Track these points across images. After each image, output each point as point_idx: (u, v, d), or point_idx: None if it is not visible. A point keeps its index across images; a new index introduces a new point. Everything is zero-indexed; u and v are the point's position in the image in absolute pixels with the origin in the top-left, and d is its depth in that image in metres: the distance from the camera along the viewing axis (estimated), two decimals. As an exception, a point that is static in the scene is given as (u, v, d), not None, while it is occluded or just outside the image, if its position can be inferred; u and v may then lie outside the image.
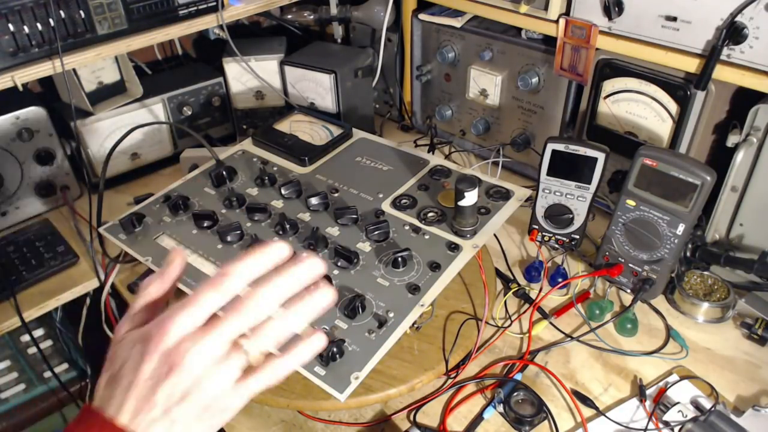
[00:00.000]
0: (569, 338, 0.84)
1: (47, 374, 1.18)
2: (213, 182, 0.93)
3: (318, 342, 0.47)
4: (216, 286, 0.44)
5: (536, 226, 0.94)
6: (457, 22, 1.14)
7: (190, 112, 1.23)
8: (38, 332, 1.20)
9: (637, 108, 0.94)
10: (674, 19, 0.83)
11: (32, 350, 1.19)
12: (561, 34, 0.96)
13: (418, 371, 0.74)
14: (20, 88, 0.93)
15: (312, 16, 1.29)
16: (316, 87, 1.20)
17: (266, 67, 1.25)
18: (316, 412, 0.76)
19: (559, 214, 0.90)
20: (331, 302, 0.48)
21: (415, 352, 0.77)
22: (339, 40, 1.34)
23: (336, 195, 0.90)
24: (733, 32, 0.77)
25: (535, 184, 0.91)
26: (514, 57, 1.09)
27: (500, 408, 0.75)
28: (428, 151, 1.24)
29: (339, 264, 0.78)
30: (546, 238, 0.95)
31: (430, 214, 0.84)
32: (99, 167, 1.14)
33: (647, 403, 0.75)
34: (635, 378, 0.79)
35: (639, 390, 0.77)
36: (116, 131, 1.13)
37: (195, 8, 1.06)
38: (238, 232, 0.82)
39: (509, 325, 0.86)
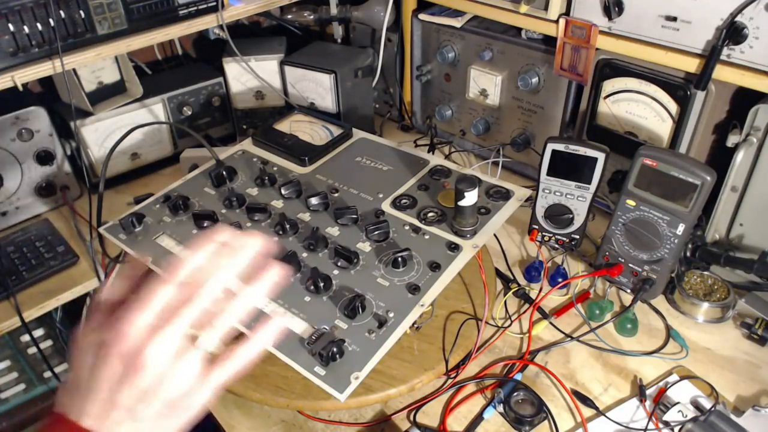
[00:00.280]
0: (569, 338, 0.84)
1: (47, 374, 1.18)
2: (213, 182, 0.93)
3: (274, 326, 0.48)
4: (166, 281, 0.46)
5: (536, 226, 0.94)
6: (457, 22, 1.14)
7: (190, 112, 1.23)
8: (38, 332, 1.20)
9: (637, 108, 0.94)
10: (674, 19, 0.83)
11: (32, 350, 1.19)
12: (561, 34, 0.96)
13: (418, 371, 0.74)
14: (20, 88, 0.93)
15: (312, 16, 1.29)
16: (316, 87, 1.20)
17: (266, 67, 1.25)
18: (316, 412, 0.76)
19: (559, 214, 0.90)
20: (281, 278, 0.49)
21: (415, 352, 0.77)
22: (339, 40, 1.34)
23: (336, 195, 0.90)
24: (733, 32, 0.77)
25: (535, 184, 0.91)
26: (514, 57, 1.09)
27: (500, 408, 0.75)
28: (428, 151, 1.24)
29: (339, 264, 0.78)
30: (546, 238, 0.95)
31: (430, 214, 0.84)
32: (99, 167, 1.14)
33: (647, 403, 0.75)
34: (635, 378, 0.79)
35: (639, 390, 0.77)
36: (116, 131, 1.13)
37: (195, 8, 1.06)
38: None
39: (509, 325, 0.86)
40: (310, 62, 1.20)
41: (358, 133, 1.05)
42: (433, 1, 1.18)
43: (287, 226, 0.83)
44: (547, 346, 0.83)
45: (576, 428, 0.73)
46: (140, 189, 1.18)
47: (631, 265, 0.87)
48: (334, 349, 0.65)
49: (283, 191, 0.89)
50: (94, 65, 1.11)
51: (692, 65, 0.84)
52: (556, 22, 0.95)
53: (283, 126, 1.06)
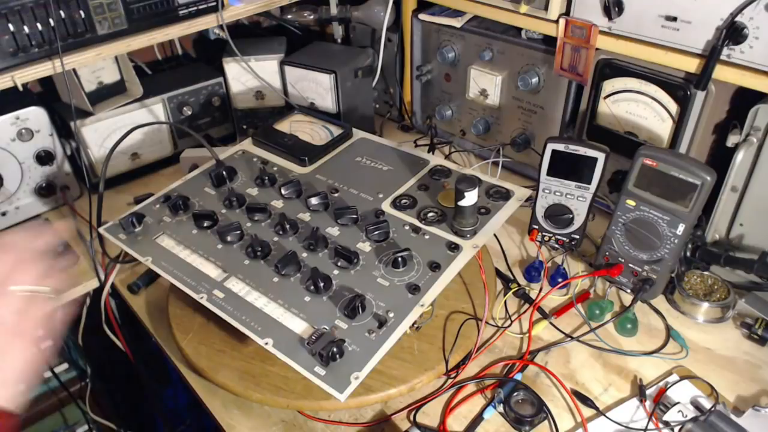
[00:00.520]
0: (569, 338, 0.85)
1: (47, 374, 1.18)
2: (213, 182, 0.93)
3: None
4: None
5: (536, 226, 0.94)
6: (457, 22, 1.14)
7: (190, 112, 1.23)
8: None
9: (637, 108, 0.94)
10: (674, 19, 0.83)
11: (32, 350, 1.19)
12: (561, 34, 0.96)
13: (418, 371, 0.74)
14: (20, 88, 0.93)
15: (312, 16, 1.29)
16: (316, 87, 1.20)
17: (266, 67, 1.25)
18: (316, 412, 0.76)
19: (559, 214, 0.90)
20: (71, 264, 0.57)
21: (415, 352, 0.77)
22: (339, 40, 1.34)
23: (336, 195, 0.90)
24: (733, 32, 0.77)
25: (535, 184, 0.91)
26: (514, 57, 1.09)
27: (500, 408, 0.75)
28: (428, 151, 1.24)
29: (339, 264, 0.78)
30: (546, 238, 0.95)
31: (430, 214, 0.84)
32: (99, 167, 1.14)
33: (647, 403, 0.75)
34: (635, 378, 0.79)
35: (639, 390, 0.77)
36: (116, 131, 1.13)
37: (195, 8, 1.06)
38: (238, 232, 0.82)
39: (509, 325, 0.86)
40: (310, 62, 1.20)
41: (358, 133, 1.05)
42: (433, 1, 1.18)
43: (287, 226, 0.83)
44: (547, 346, 0.83)
45: (576, 428, 0.73)
46: (140, 189, 1.18)
47: (631, 265, 0.87)
48: (334, 349, 0.65)
49: (283, 191, 0.89)
50: (94, 65, 1.11)
51: (692, 65, 0.84)
52: (556, 22, 0.95)
53: (283, 126, 1.06)
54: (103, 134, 1.13)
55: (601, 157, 0.84)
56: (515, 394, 0.75)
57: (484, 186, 0.89)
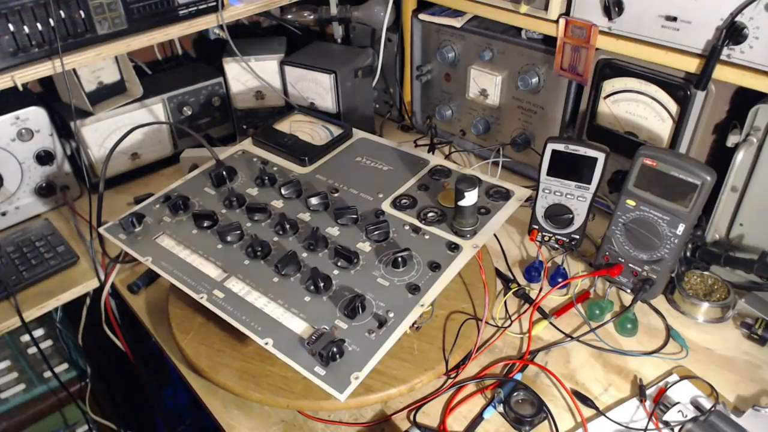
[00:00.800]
0: (569, 338, 0.85)
1: (47, 374, 1.18)
2: (213, 182, 0.93)
3: None
4: None
5: (536, 226, 0.94)
6: (457, 22, 1.14)
7: (190, 112, 1.23)
8: (38, 332, 1.20)
9: (637, 108, 0.94)
10: (674, 19, 0.83)
11: (32, 350, 1.19)
12: (561, 34, 0.96)
13: (418, 371, 0.74)
14: (20, 88, 0.93)
15: (312, 16, 1.29)
16: (316, 87, 1.20)
17: (266, 67, 1.25)
18: (316, 412, 0.76)
19: (559, 214, 0.90)
20: None
21: (415, 352, 0.77)
22: (339, 40, 1.34)
23: (336, 195, 0.90)
24: (733, 32, 0.77)
25: (535, 184, 0.91)
26: (514, 57, 1.09)
27: (500, 408, 0.75)
28: (428, 151, 1.24)
29: (339, 264, 0.78)
30: (546, 238, 0.95)
31: (430, 214, 0.84)
32: (99, 167, 1.14)
33: (647, 403, 0.75)
34: (635, 378, 0.79)
35: (639, 390, 0.77)
36: (116, 131, 1.13)
37: (195, 8, 1.06)
38: (238, 232, 0.82)
39: (509, 325, 0.86)
40: (310, 62, 1.20)
41: (358, 133, 1.05)
42: (433, 1, 1.18)
43: (287, 226, 0.83)
44: (547, 346, 0.83)
45: (576, 428, 0.73)
46: (140, 189, 1.18)
47: (631, 265, 0.87)
48: (334, 349, 0.65)
49: (283, 191, 0.89)
50: (94, 65, 1.11)
51: (692, 65, 0.84)
52: (556, 22, 0.95)
53: (283, 126, 1.06)
54: (103, 134, 1.13)
55: (601, 157, 0.84)
56: (515, 394, 0.75)
57: (484, 186, 0.89)
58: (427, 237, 0.81)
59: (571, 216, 0.90)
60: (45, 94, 1.20)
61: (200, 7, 1.06)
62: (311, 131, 1.05)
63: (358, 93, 1.24)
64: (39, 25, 0.91)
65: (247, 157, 1.01)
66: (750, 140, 0.80)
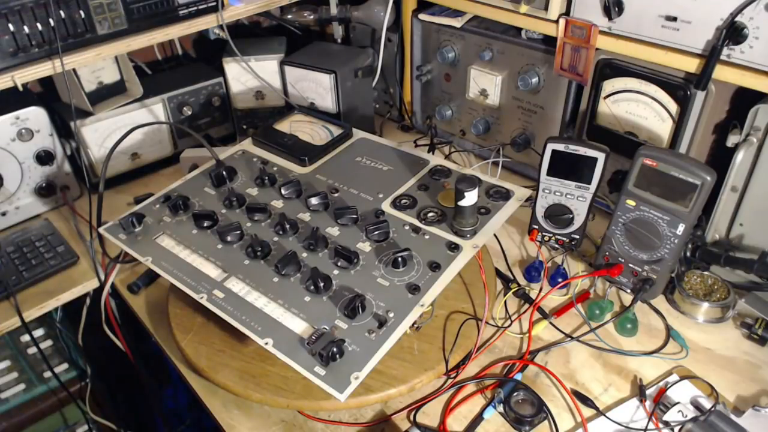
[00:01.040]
0: (569, 338, 0.85)
1: (47, 374, 1.18)
2: (213, 182, 0.93)
3: None
4: None
5: (536, 226, 0.94)
6: (457, 22, 1.14)
7: (190, 112, 1.23)
8: (38, 332, 1.20)
9: (637, 108, 0.94)
10: (674, 19, 0.83)
11: (32, 350, 1.19)
12: (561, 34, 0.96)
13: (418, 371, 0.74)
14: (20, 88, 0.93)
15: (312, 16, 1.29)
16: (316, 87, 1.20)
17: (266, 67, 1.25)
18: (316, 412, 0.76)
19: (559, 214, 0.90)
20: None
21: (415, 352, 0.77)
22: (339, 40, 1.34)
23: (336, 195, 0.90)
24: (733, 32, 0.77)
25: (535, 184, 0.91)
26: (514, 57, 1.09)
27: (500, 408, 0.75)
28: (428, 151, 1.24)
29: (339, 264, 0.78)
30: (546, 238, 0.95)
31: (430, 214, 0.84)
32: (99, 167, 1.14)
33: (647, 403, 0.75)
34: (635, 378, 0.79)
35: (639, 390, 0.77)
36: (116, 131, 1.13)
37: (195, 8, 1.06)
38: (238, 232, 0.82)
39: (509, 325, 0.86)
40: (310, 62, 1.20)
41: (358, 133, 1.05)
42: (433, 1, 1.18)
43: (287, 226, 0.83)
44: (547, 346, 0.83)
45: (576, 428, 0.73)
46: (140, 189, 1.18)
47: (631, 265, 0.87)
48: (334, 349, 0.65)
49: (283, 191, 0.89)
50: (94, 65, 1.11)
51: (692, 65, 0.84)
52: (556, 22, 0.95)
53: (283, 126, 1.06)
54: (103, 134, 1.13)
55: (601, 157, 0.84)
56: (515, 394, 0.75)
57: (484, 186, 0.89)
58: (427, 237, 0.81)
59: (571, 216, 0.90)
60: (45, 94, 1.20)
61: (200, 7, 1.06)
62: (311, 131, 1.05)
63: (358, 93, 1.24)
64: (39, 25, 0.91)
65: (247, 157, 1.01)
66: (750, 140, 0.80)
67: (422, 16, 1.20)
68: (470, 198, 0.76)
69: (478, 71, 1.15)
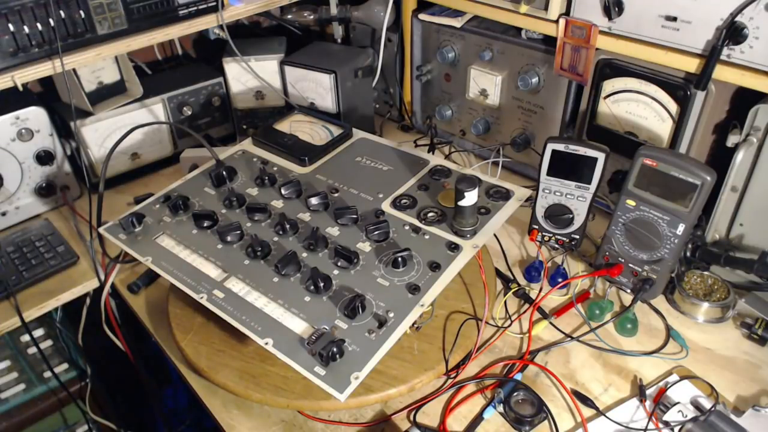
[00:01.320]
0: (569, 338, 0.85)
1: (47, 374, 1.18)
2: (213, 182, 0.93)
3: None
4: None
5: (536, 226, 0.94)
6: (457, 22, 1.14)
7: (190, 112, 1.23)
8: (38, 332, 1.20)
9: (637, 108, 0.94)
10: (674, 19, 0.83)
11: (32, 350, 1.19)
12: (561, 34, 0.96)
13: (418, 371, 0.74)
14: (20, 88, 0.93)
15: (312, 16, 1.29)
16: (316, 87, 1.20)
17: (266, 67, 1.25)
18: (316, 412, 0.76)
19: (559, 214, 0.90)
20: None
21: (415, 352, 0.77)
22: (339, 40, 1.34)
23: (336, 195, 0.90)
24: (733, 32, 0.77)
25: (535, 184, 0.91)
26: (514, 57, 1.09)
27: (500, 408, 0.75)
28: (428, 151, 1.24)
29: (339, 264, 0.78)
30: (546, 238, 0.95)
31: (430, 214, 0.84)
32: (99, 167, 1.14)
33: (647, 403, 0.75)
34: (635, 378, 0.79)
35: (639, 390, 0.77)
36: (116, 131, 1.13)
37: (195, 8, 1.06)
38: (238, 232, 0.82)
39: (509, 325, 0.86)
40: (310, 62, 1.20)
41: (358, 133, 1.05)
42: (433, 1, 1.18)
43: (287, 226, 0.83)
44: (547, 346, 0.83)
45: (576, 428, 0.73)
46: (140, 189, 1.18)
47: (631, 265, 0.87)
48: (334, 349, 0.65)
49: (283, 191, 0.89)
50: (94, 65, 1.11)
51: (692, 65, 0.84)
52: (556, 22, 0.95)
53: (283, 126, 1.06)
54: (103, 134, 1.13)
55: (601, 157, 0.84)
56: (515, 394, 0.75)
57: (484, 186, 0.89)
58: (427, 237, 0.81)
59: (571, 216, 0.90)
60: (45, 94, 1.20)
61: (200, 7, 1.06)
62: (311, 131, 1.05)
63: (358, 93, 1.24)
64: (39, 25, 0.91)
65: (247, 157, 1.01)
66: (750, 140, 0.80)
67: (422, 16, 1.20)
68: (470, 198, 0.76)
69: (478, 71, 1.15)
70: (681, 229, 0.79)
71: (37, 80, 1.14)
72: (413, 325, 0.77)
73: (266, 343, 0.68)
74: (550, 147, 0.86)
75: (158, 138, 1.22)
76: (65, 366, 1.21)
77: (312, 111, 1.15)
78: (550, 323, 0.87)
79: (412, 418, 0.75)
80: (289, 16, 1.31)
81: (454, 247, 0.78)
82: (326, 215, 0.86)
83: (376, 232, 0.80)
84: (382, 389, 0.72)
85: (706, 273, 0.90)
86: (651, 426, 0.72)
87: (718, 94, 0.85)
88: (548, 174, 0.88)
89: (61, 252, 1.02)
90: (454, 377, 0.78)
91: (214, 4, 1.08)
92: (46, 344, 1.20)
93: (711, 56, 0.80)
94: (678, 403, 0.73)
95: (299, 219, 0.86)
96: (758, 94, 0.79)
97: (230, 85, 1.27)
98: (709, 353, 0.82)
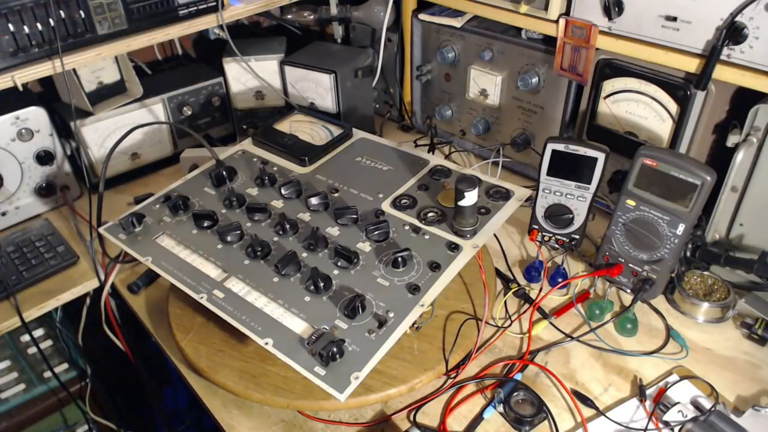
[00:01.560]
0: (569, 338, 0.85)
1: (47, 374, 1.18)
2: (213, 182, 0.93)
3: None
4: None
5: (536, 226, 0.94)
6: (457, 22, 1.14)
7: (190, 112, 1.23)
8: (38, 332, 1.20)
9: (637, 108, 0.94)
10: (674, 19, 0.83)
11: (32, 350, 1.19)
12: (561, 34, 0.96)
13: (418, 371, 0.74)
14: (20, 88, 0.93)
15: (312, 16, 1.29)
16: (316, 87, 1.20)
17: (266, 67, 1.25)
18: (316, 412, 0.76)
19: (559, 214, 0.90)
20: None
21: (415, 352, 0.77)
22: (339, 40, 1.34)
23: (336, 195, 0.90)
24: (733, 32, 0.77)
25: (535, 184, 0.91)
26: (514, 57, 1.09)
27: (500, 408, 0.75)
28: (428, 151, 1.24)
29: (339, 264, 0.78)
30: (546, 238, 0.95)
31: (430, 214, 0.84)
32: (99, 167, 1.14)
33: (647, 403, 0.75)
34: (635, 378, 0.79)
35: (639, 390, 0.77)
36: (116, 131, 1.13)
37: (195, 8, 1.06)
38: (238, 232, 0.82)
39: (509, 325, 0.86)
40: (310, 62, 1.20)
41: (358, 133, 1.05)
42: (433, 1, 1.18)
43: (287, 226, 0.83)
44: (547, 346, 0.83)
45: (576, 428, 0.73)
46: (140, 189, 1.18)
47: (631, 265, 0.87)
48: (334, 349, 0.65)
49: (283, 191, 0.89)
50: (94, 65, 1.11)
51: (692, 65, 0.84)
52: (556, 22, 0.95)
53: (283, 126, 1.06)
54: (103, 134, 1.13)
55: (601, 157, 0.84)
56: (515, 394, 0.75)
57: (484, 186, 0.89)
58: (427, 237, 0.81)
59: (571, 216, 0.90)
60: (45, 94, 1.20)
61: (200, 7, 1.06)
62: (311, 131, 1.05)
63: (358, 93, 1.24)
64: (39, 25, 0.91)
65: (247, 157, 1.01)
66: (750, 140, 0.80)
67: (422, 16, 1.20)
68: (470, 198, 0.76)
69: (478, 71, 1.15)
70: (681, 229, 0.79)
71: (37, 80, 1.14)
72: (413, 325, 0.77)
73: (266, 343, 0.68)
74: (550, 147, 0.86)
75: (158, 138, 1.22)
76: (65, 366, 1.21)
77: (312, 111, 1.15)
78: (550, 323, 0.87)
79: (412, 418, 0.75)
80: (289, 16, 1.31)
81: (454, 247, 0.78)
82: (326, 215, 0.86)
83: (376, 232, 0.80)
84: (382, 389, 0.72)
85: (706, 273, 0.90)
86: (651, 426, 0.72)
87: (718, 94, 0.85)
88: (548, 174, 0.88)
89: (61, 252, 1.02)
90: (454, 377, 0.78)
91: (214, 4, 1.08)
92: (46, 344, 1.20)
93: (711, 56, 0.80)
94: (678, 403, 0.73)
95: (299, 219, 0.86)
96: (758, 94, 0.79)
97: (230, 85, 1.27)
98: (709, 353, 0.82)
